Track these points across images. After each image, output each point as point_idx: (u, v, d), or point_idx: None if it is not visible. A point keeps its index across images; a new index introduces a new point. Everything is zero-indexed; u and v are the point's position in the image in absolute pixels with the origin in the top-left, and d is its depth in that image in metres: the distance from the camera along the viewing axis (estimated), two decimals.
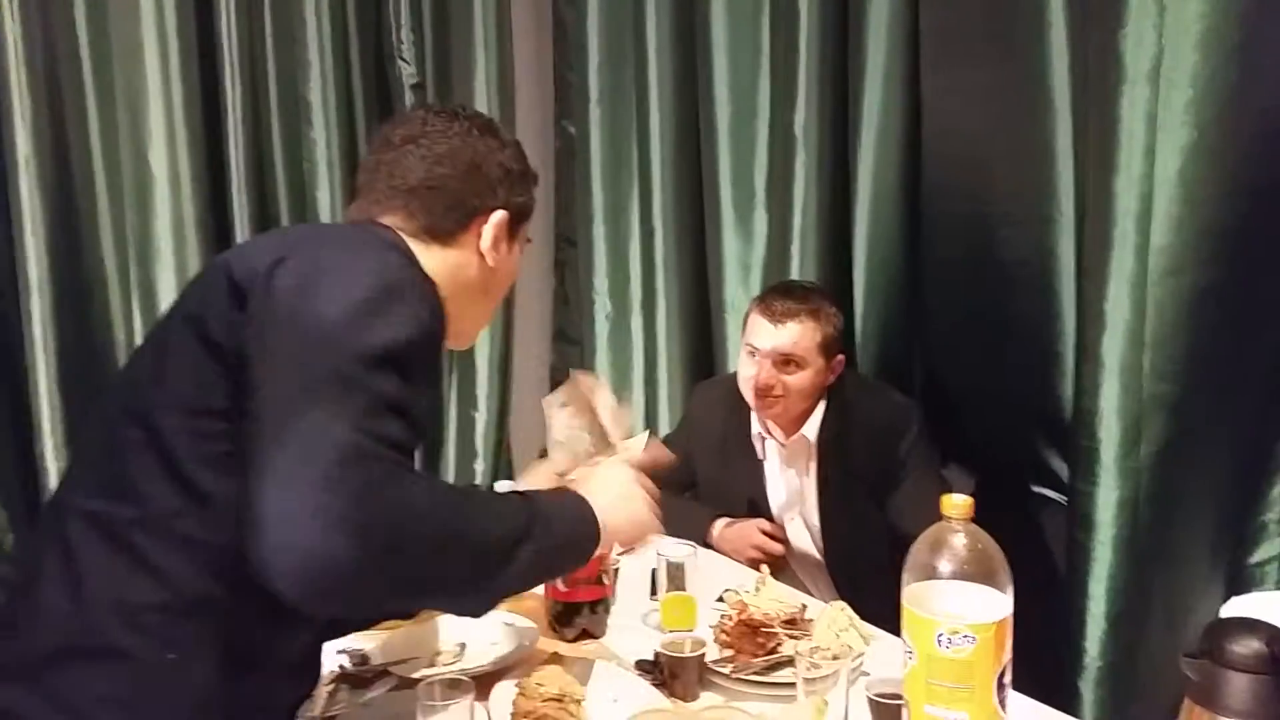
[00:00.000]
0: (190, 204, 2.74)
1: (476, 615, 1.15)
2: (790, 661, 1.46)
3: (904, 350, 2.40)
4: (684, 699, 1.46)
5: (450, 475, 3.20)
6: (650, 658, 1.54)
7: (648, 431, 1.55)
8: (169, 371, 1.08)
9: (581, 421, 1.46)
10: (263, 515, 0.92)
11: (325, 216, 2.91)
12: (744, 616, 1.53)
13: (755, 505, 2.17)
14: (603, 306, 3.10)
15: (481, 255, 1.28)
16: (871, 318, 2.38)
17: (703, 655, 1.48)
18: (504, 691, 1.42)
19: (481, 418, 3.18)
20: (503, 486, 1.92)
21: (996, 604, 1.15)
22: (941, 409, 2.27)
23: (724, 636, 1.54)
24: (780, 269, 2.50)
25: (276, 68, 2.86)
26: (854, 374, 2.23)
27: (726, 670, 1.49)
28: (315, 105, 2.90)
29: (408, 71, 3.05)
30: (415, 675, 1.49)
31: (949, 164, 2.18)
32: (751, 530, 2.08)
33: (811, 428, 2.10)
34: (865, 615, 1.59)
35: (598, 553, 1.28)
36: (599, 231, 3.07)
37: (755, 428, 2.18)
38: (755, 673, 1.48)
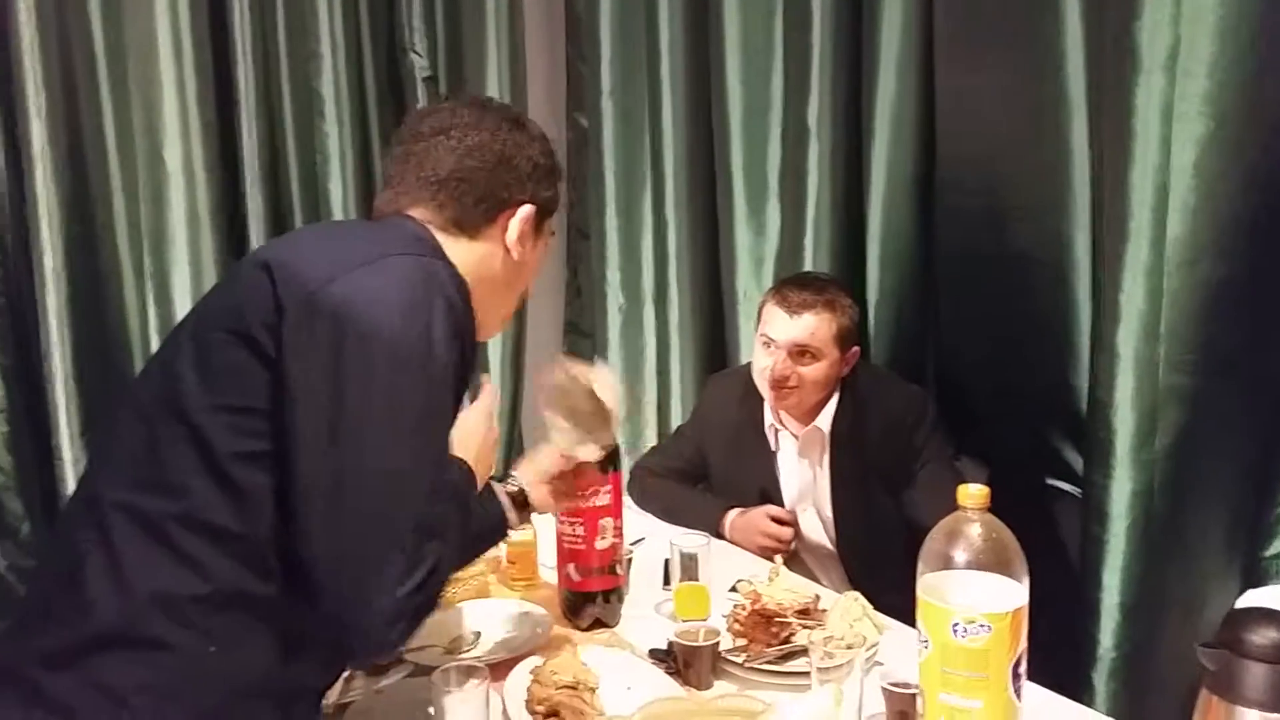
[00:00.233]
0: (204, 197, 2.75)
1: None
2: (803, 651, 1.46)
3: (917, 342, 2.39)
4: (697, 688, 1.46)
5: None
6: (664, 647, 1.54)
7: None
8: (212, 371, 1.10)
9: (578, 412, 1.46)
10: (342, 615, 1.04)
11: (337, 209, 2.91)
12: (757, 606, 1.53)
13: (768, 497, 2.17)
14: (615, 298, 3.10)
15: (507, 249, 1.29)
16: (885, 310, 2.38)
17: (716, 644, 1.49)
18: (519, 679, 1.42)
19: (495, 409, 3.18)
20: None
21: (1012, 593, 1.15)
22: (955, 400, 2.26)
23: (737, 626, 1.54)
24: (793, 261, 2.49)
25: (289, 61, 2.86)
26: (867, 365, 2.23)
27: (740, 659, 1.50)
28: (327, 98, 2.90)
29: (420, 64, 3.04)
30: (431, 662, 1.50)
31: (963, 155, 2.17)
32: (760, 518, 2.08)
33: (825, 419, 2.10)
34: (878, 606, 1.59)
35: None
36: (611, 223, 3.06)
37: (769, 419, 2.18)
38: (769, 662, 1.49)
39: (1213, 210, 1.67)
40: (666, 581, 1.78)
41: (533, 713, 1.37)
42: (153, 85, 2.68)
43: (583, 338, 3.30)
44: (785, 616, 1.52)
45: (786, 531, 2.06)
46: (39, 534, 2.54)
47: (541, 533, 1.87)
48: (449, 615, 1.66)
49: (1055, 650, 1.41)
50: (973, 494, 1.18)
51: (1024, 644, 1.17)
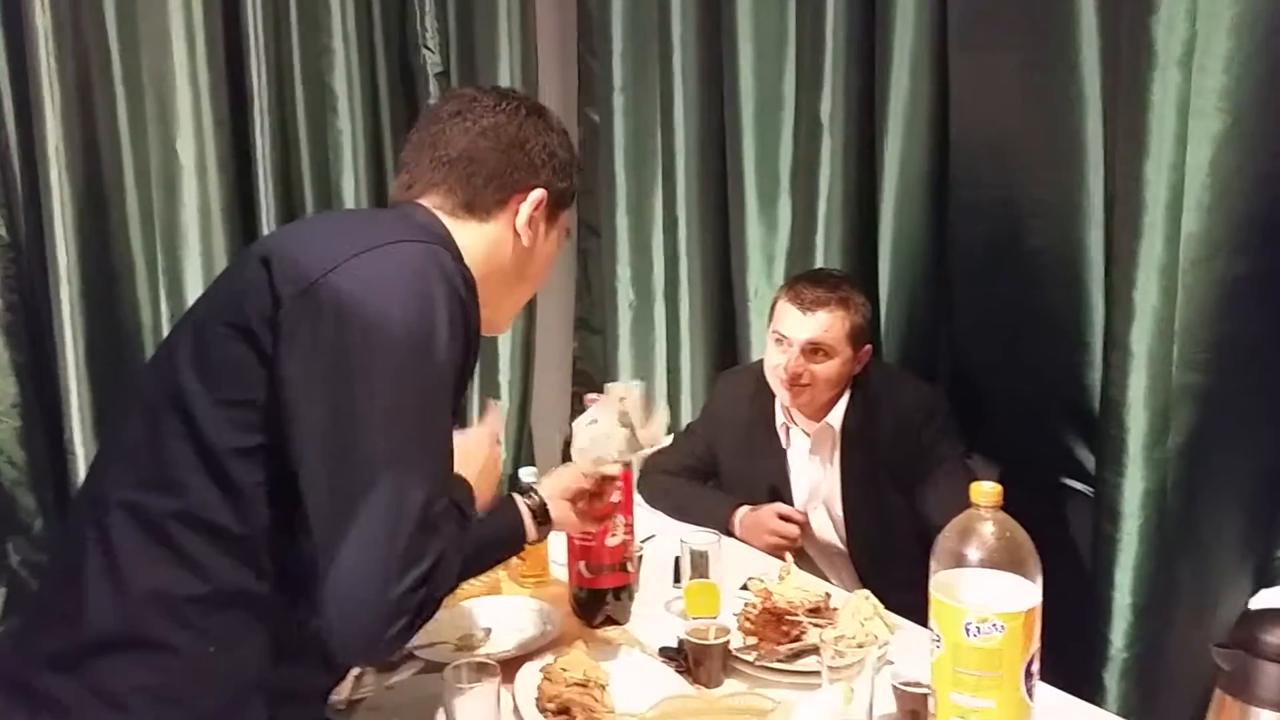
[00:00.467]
0: (217, 192, 2.76)
1: None
2: (814, 649, 1.46)
3: (930, 339, 2.38)
4: (708, 686, 1.46)
5: None
6: (674, 645, 1.54)
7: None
8: (210, 364, 1.09)
9: (609, 431, 1.46)
10: (337, 607, 1.00)
11: (349, 204, 2.91)
12: (768, 604, 1.53)
13: (778, 494, 2.16)
14: (625, 295, 3.10)
15: (517, 234, 1.27)
16: (897, 306, 2.37)
17: (727, 643, 1.48)
18: (529, 676, 1.43)
19: (504, 406, 3.19)
20: (525, 474, 1.93)
21: (1025, 593, 1.15)
22: (967, 398, 2.25)
23: (748, 624, 1.54)
24: (804, 258, 2.49)
25: (302, 56, 2.86)
26: (879, 363, 2.22)
27: (750, 658, 1.50)
28: (340, 93, 2.90)
29: (432, 60, 3.04)
30: (441, 659, 1.50)
31: (976, 152, 2.16)
32: (768, 516, 2.07)
33: (836, 416, 2.10)
34: (889, 605, 1.58)
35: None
36: (622, 220, 3.06)
37: (780, 417, 2.17)
38: (779, 660, 1.49)
39: (1228, 207, 1.66)
40: (677, 579, 1.78)
41: (543, 710, 1.37)
42: (166, 80, 2.68)
43: (593, 334, 3.30)
44: (796, 615, 1.52)
45: (792, 529, 2.05)
46: (51, 529, 2.55)
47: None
48: (460, 612, 1.67)
49: (1066, 650, 1.40)
50: (986, 492, 1.18)
51: (1037, 643, 1.16)
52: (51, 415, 2.59)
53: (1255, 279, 1.69)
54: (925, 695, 1.27)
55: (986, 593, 1.15)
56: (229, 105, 2.77)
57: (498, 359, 3.18)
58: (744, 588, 1.73)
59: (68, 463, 2.59)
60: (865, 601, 1.57)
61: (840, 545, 2.15)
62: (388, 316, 1.04)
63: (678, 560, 1.77)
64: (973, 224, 2.20)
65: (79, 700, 1.04)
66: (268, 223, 2.85)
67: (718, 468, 2.30)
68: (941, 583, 1.18)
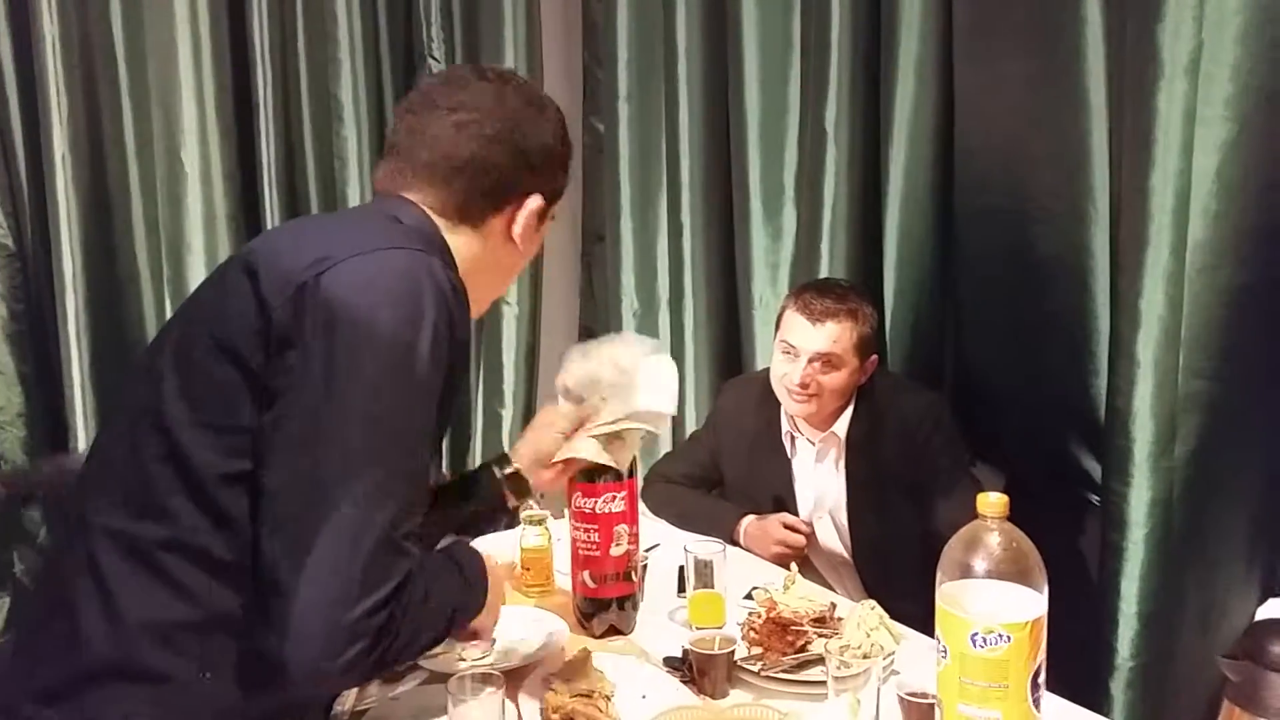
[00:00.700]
0: (222, 201, 2.77)
1: None
2: (819, 660, 1.45)
3: (935, 348, 2.38)
4: (712, 696, 1.46)
5: None
6: (679, 655, 1.54)
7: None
8: (194, 385, 1.06)
9: (597, 376, 1.44)
10: (290, 624, 0.95)
11: None
12: (773, 614, 1.52)
13: (783, 503, 2.16)
14: (630, 303, 3.10)
15: (511, 239, 1.25)
16: (902, 315, 2.36)
17: (731, 653, 1.48)
18: (534, 687, 1.42)
19: (508, 413, 3.19)
20: None
21: (1031, 603, 1.14)
22: (973, 407, 2.25)
23: (753, 634, 1.53)
24: (809, 266, 2.49)
25: (307, 65, 2.88)
26: (884, 372, 2.21)
27: (755, 668, 1.49)
28: (346, 103, 2.91)
29: (437, 69, 3.06)
30: (446, 669, 1.49)
31: (982, 159, 2.16)
32: (774, 525, 2.07)
33: (842, 426, 2.09)
34: (894, 615, 1.57)
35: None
36: (627, 227, 3.06)
37: (785, 426, 2.17)
38: (784, 671, 1.48)
39: (1235, 215, 1.65)
40: (681, 588, 1.78)
41: None
42: (172, 90, 2.69)
43: None
44: (801, 625, 1.51)
45: (798, 539, 2.05)
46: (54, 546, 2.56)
47: (556, 539, 1.86)
48: None
49: (1073, 659, 1.40)
50: (992, 503, 1.17)
51: (1043, 654, 1.16)
52: (56, 424, 2.60)
53: (1262, 287, 1.68)
54: (931, 706, 1.26)
55: (993, 603, 1.15)
56: (234, 115, 2.78)
57: (502, 366, 3.19)
58: (749, 597, 1.72)
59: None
60: (871, 611, 1.56)
61: (845, 555, 2.15)
62: (373, 325, 1.01)
63: (682, 569, 1.76)
64: (978, 232, 2.20)
65: None
66: None
67: (722, 476, 2.30)
68: (948, 593, 1.18)
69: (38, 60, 2.51)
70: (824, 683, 1.31)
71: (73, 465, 2.17)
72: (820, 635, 1.51)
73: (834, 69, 2.37)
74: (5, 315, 2.56)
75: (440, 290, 1.06)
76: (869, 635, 1.50)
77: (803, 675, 1.47)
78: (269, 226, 2.85)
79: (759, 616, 1.54)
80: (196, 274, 2.73)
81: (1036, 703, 1.16)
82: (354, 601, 0.94)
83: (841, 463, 2.11)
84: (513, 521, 1.78)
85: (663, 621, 1.72)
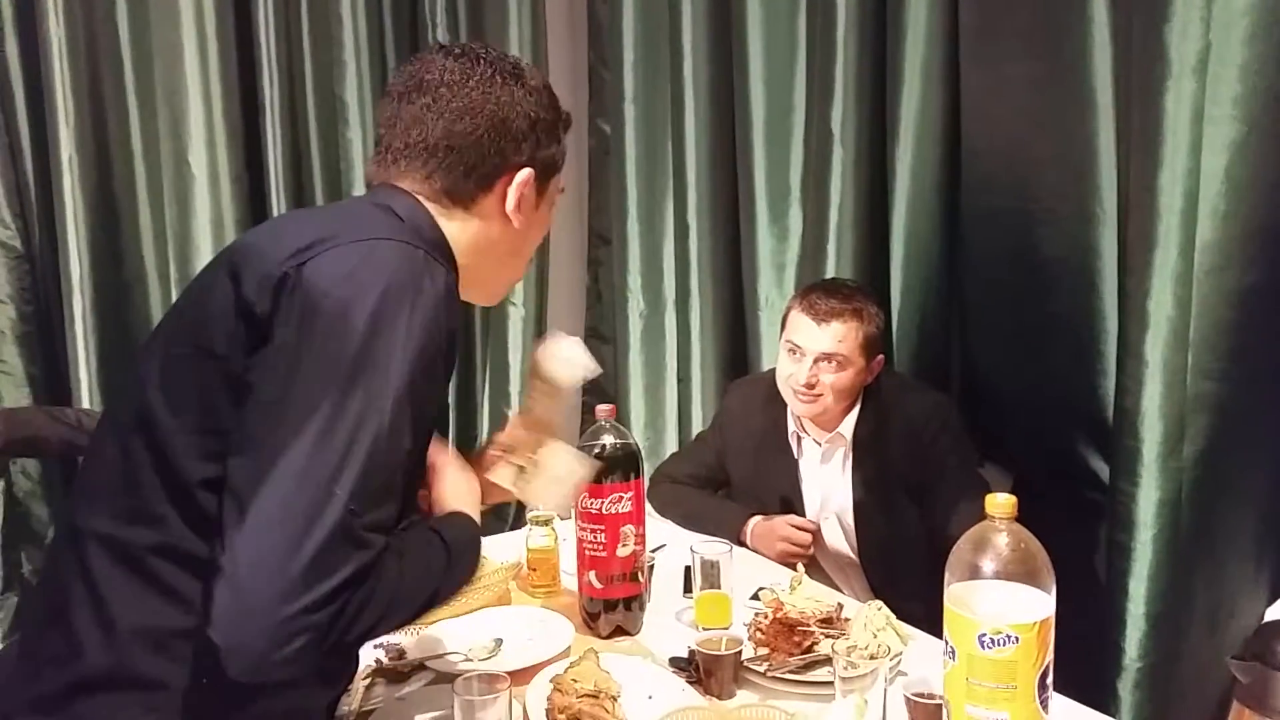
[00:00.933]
0: (229, 203, 2.77)
1: None
2: (826, 660, 1.45)
3: (942, 349, 2.37)
4: (719, 697, 1.45)
5: None
6: (685, 655, 1.54)
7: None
8: (178, 389, 1.03)
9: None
10: (227, 614, 0.90)
11: None
12: (780, 615, 1.52)
13: (790, 504, 2.16)
14: (636, 304, 3.10)
15: (507, 217, 1.20)
16: (909, 316, 2.36)
17: (738, 653, 1.48)
18: (540, 687, 1.42)
19: (514, 414, 3.19)
20: None
21: (1039, 604, 1.14)
22: (980, 407, 2.24)
23: (759, 635, 1.53)
24: (815, 267, 2.48)
25: (313, 67, 2.88)
26: (890, 372, 2.21)
27: (762, 669, 1.49)
28: (351, 105, 2.92)
29: None
30: (452, 670, 1.50)
31: (988, 160, 2.16)
32: (781, 526, 2.07)
33: (848, 426, 2.09)
34: (900, 615, 1.57)
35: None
36: (633, 229, 3.06)
37: (791, 426, 2.17)
38: (791, 671, 1.48)
39: (1244, 215, 1.65)
40: (688, 589, 1.78)
41: None
42: (178, 92, 2.70)
43: (603, 343, 3.30)
44: (808, 625, 1.51)
45: (805, 537, 2.04)
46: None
47: (563, 540, 1.86)
48: (470, 623, 1.66)
49: (1080, 660, 1.39)
50: (1000, 503, 1.17)
51: (1051, 655, 1.15)
52: None
53: (1270, 287, 1.67)
54: (939, 706, 1.26)
55: (1000, 604, 1.14)
56: (241, 116, 2.79)
57: (508, 368, 3.19)
58: (755, 598, 1.72)
59: None
60: (878, 612, 1.56)
61: (852, 555, 2.14)
62: (350, 315, 0.97)
63: (688, 570, 1.76)
64: (985, 233, 2.20)
65: None
66: None
67: (728, 477, 2.30)
68: (955, 594, 1.17)
69: (44, 62, 2.52)
70: (831, 683, 1.31)
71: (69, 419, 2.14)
72: (827, 636, 1.50)
73: (840, 70, 2.36)
74: (14, 316, 2.58)
75: (426, 282, 1.02)
76: (876, 636, 1.50)
77: (809, 676, 1.47)
78: None
79: (765, 617, 1.54)
80: None
81: (1044, 704, 1.15)
82: (295, 594, 0.89)
83: (848, 463, 2.11)
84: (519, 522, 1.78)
85: (669, 622, 1.72)
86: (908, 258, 2.34)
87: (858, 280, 2.31)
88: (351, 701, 1.42)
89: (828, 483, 2.15)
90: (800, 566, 1.73)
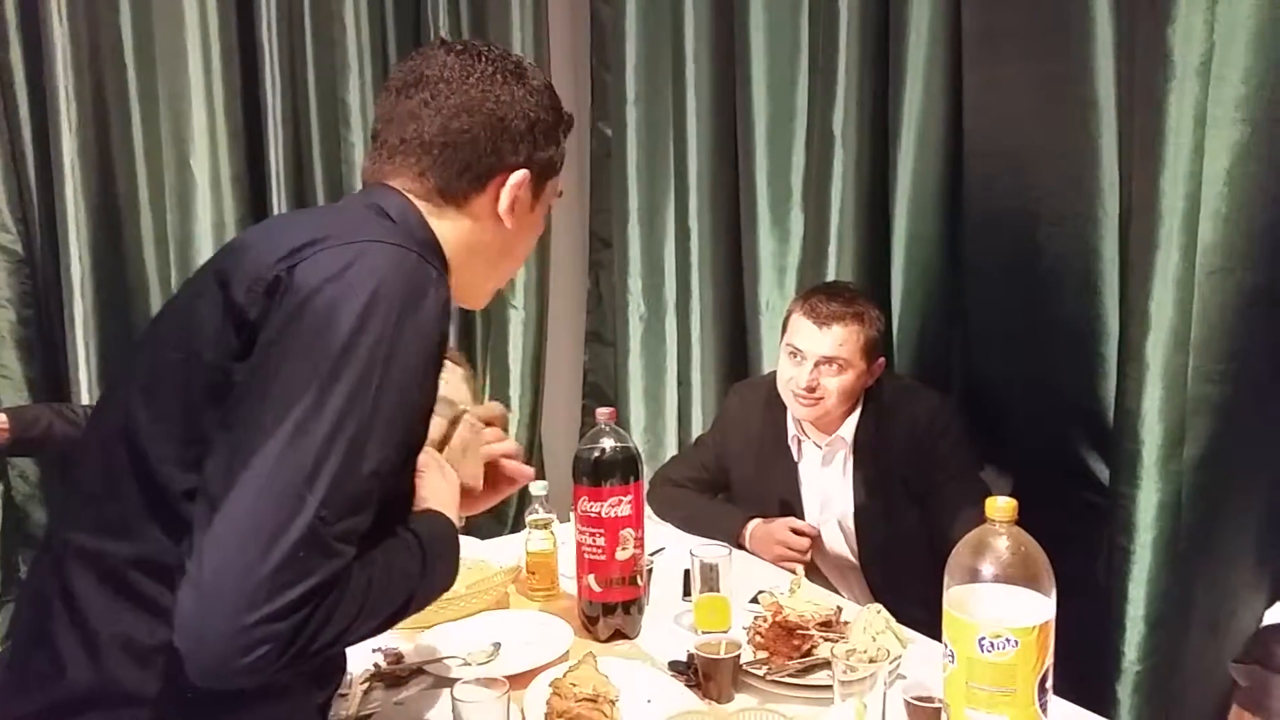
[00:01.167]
0: (231, 207, 2.77)
1: None
2: (825, 664, 1.45)
3: (942, 351, 2.37)
4: (718, 700, 1.45)
5: None
6: (684, 659, 1.53)
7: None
8: (159, 396, 1.01)
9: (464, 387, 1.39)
10: (189, 619, 0.88)
11: None
12: (779, 618, 1.51)
13: (790, 507, 2.15)
14: (636, 307, 3.10)
15: (499, 218, 1.17)
16: (910, 318, 2.36)
17: (737, 657, 1.47)
18: (538, 691, 1.42)
19: (514, 418, 3.19)
20: (535, 488, 1.92)
21: (1039, 607, 1.14)
22: (980, 410, 2.24)
23: (759, 638, 1.53)
24: (816, 270, 2.48)
25: (316, 72, 2.88)
26: (891, 375, 2.21)
27: (761, 672, 1.48)
28: (354, 108, 2.92)
29: None
30: (450, 675, 1.49)
31: (990, 162, 2.15)
32: (780, 529, 2.06)
33: (848, 429, 2.09)
34: (900, 619, 1.57)
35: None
36: (634, 232, 3.06)
37: (791, 429, 2.16)
38: (790, 675, 1.47)
39: (1245, 218, 1.64)
40: (687, 592, 1.77)
41: None
42: (181, 96, 2.70)
43: (604, 347, 3.31)
44: (807, 629, 1.50)
45: (803, 542, 2.04)
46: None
47: (562, 543, 1.86)
48: (468, 626, 1.66)
49: (1079, 663, 1.38)
50: (1000, 507, 1.17)
51: (1051, 658, 1.15)
52: None
53: (1272, 290, 1.67)
54: (938, 710, 1.25)
55: (1000, 607, 1.14)
56: (243, 121, 2.79)
57: (508, 372, 3.19)
58: (754, 601, 1.72)
59: None
60: (877, 615, 1.55)
61: (852, 558, 2.14)
62: (338, 317, 0.94)
63: (687, 573, 1.76)
64: (986, 235, 2.19)
65: None
66: None
67: (728, 480, 2.29)
68: (955, 597, 1.17)
69: (48, 66, 2.53)
70: (830, 687, 1.31)
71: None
72: (826, 639, 1.50)
73: (842, 72, 2.36)
74: (14, 320, 2.58)
75: (417, 286, 1.01)
76: (875, 639, 1.50)
77: (809, 679, 1.46)
78: None
79: (765, 620, 1.53)
80: None
81: (1044, 707, 1.15)
82: (258, 602, 0.86)
83: (848, 466, 2.10)
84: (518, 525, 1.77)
85: (668, 625, 1.72)
86: (909, 260, 2.34)
87: (859, 283, 2.30)
88: (349, 706, 1.42)
89: (828, 486, 2.14)
90: (800, 570, 1.73)
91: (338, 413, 0.92)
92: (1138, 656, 1.77)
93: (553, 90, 1.22)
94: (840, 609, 1.59)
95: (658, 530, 2.12)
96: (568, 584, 1.82)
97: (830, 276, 2.41)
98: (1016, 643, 1.12)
